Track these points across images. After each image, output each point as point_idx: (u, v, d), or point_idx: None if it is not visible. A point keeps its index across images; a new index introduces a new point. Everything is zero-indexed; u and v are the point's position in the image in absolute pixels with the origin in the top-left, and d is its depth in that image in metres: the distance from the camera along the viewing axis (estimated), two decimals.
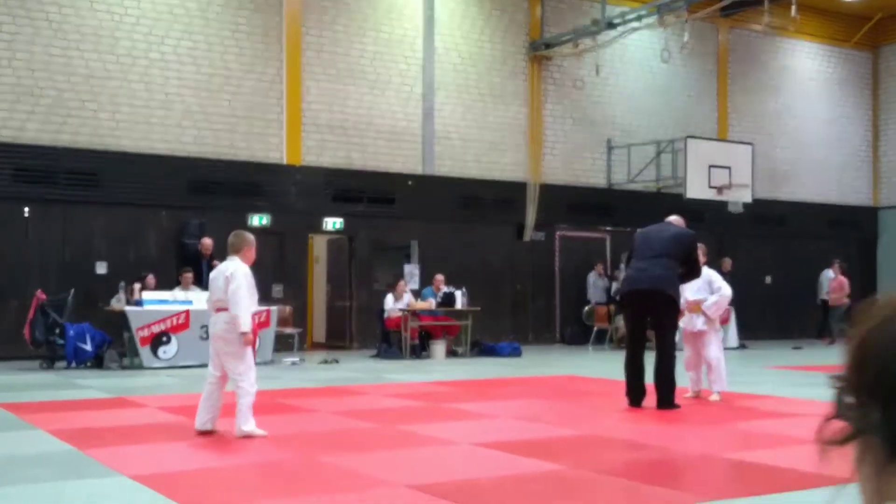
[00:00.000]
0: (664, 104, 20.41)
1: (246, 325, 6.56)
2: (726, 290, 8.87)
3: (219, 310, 6.72)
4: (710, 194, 18.11)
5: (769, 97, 21.74)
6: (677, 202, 19.11)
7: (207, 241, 14.19)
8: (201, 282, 13.08)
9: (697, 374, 8.90)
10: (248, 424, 6.57)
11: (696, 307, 8.70)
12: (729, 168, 18.24)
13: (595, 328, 17.66)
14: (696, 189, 17.93)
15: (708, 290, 8.71)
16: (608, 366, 13.38)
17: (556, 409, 8.41)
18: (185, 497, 4.68)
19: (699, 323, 8.72)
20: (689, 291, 8.69)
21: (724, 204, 18.52)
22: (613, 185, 19.72)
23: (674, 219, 8.87)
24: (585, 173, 19.47)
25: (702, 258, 8.65)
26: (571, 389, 10.16)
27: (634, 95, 20.04)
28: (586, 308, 18.15)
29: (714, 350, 8.78)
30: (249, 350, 6.69)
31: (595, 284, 18.45)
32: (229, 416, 6.70)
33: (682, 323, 8.71)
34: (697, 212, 20.02)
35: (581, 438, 6.70)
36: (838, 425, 0.80)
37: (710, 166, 18.07)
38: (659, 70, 20.08)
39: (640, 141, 19.73)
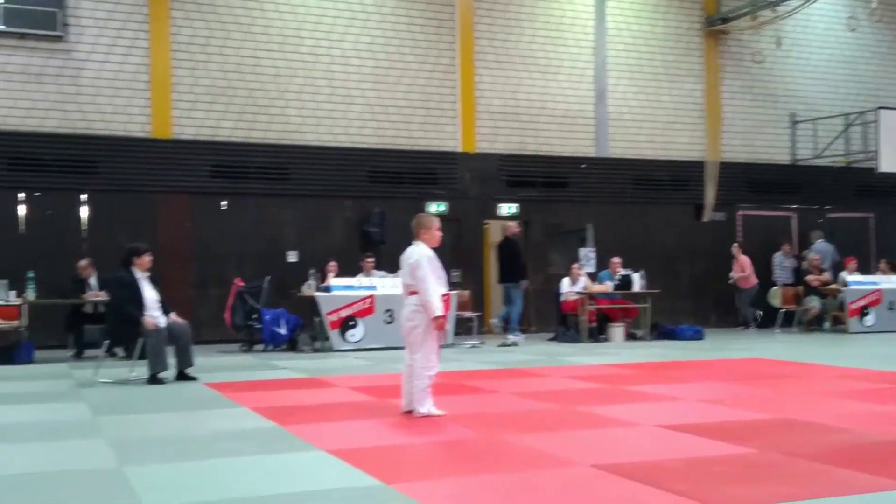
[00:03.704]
0: (852, 74, 19.33)
1: (438, 309, 6.67)
2: None
3: (410, 293, 6.87)
4: None
5: None
6: (869, 177, 18.12)
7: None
8: None
9: None
10: (424, 406, 6.74)
11: None
12: None
13: (782, 310, 17.00)
14: (891, 162, 16.90)
15: None
16: (797, 349, 12.91)
17: (744, 392, 8.21)
18: (378, 470, 4.91)
19: None
20: None
21: None
22: (798, 160, 18.89)
23: None
24: (767, 150, 18.75)
25: None
26: (759, 372, 9.86)
27: (819, 67, 19.08)
28: (772, 289, 17.50)
29: None
30: (432, 335, 6.80)
31: (781, 265, 17.75)
32: (436, 394, 6.96)
33: None
34: (894, 186, 18.89)
35: (771, 422, 6.52)
36: None
37: None
38: (845, 39, 19.04)
39: (827, 114, 18.79)
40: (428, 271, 6.71)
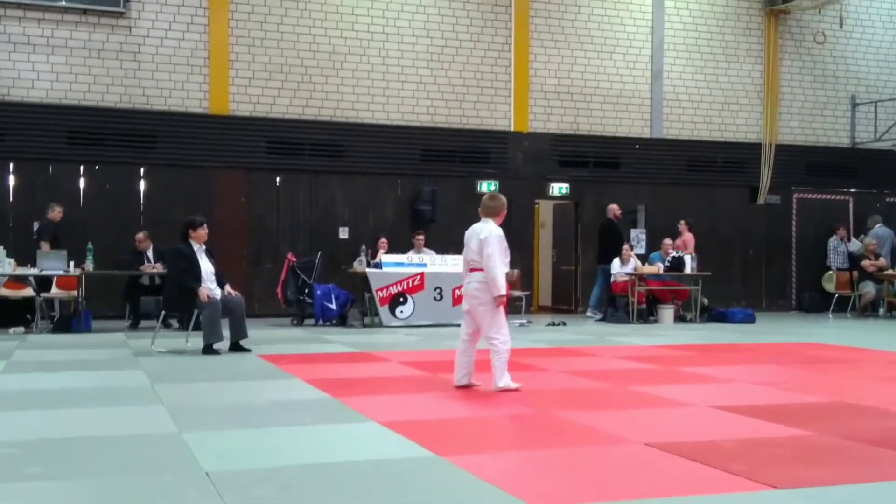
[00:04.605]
0: None
1: (501, 288, 6.76)
2: None
3: (472, 269, 6.93)
4: None
5: None
6: None
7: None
8: None
9: None
10: (503, 380, 6.83)
11: None
12: None
13: (836, 295, 16.73)
14: None
15: None
16: (851, 334, 12.70)
17: (798, 375, 8.11)
18: (431, 442, 4.96)
19: None
20: None
21: None
22: (858, 143, 18.51)
23: None
24: (826, 132, 18.39)
25: None
26: (813, 356, 9.73)
27: (882, 48, 18.64)
28: (826, 274, 17.22)
29: None
30: (501, 309, 6.89)
31: (836, 249, 17.45)
32: (485, 370, 7.01)
33: None
34: None
35: (827, 405, 6.45)
36: None
37: None
38: None
39: (889, 96, 18.37)
40: (497, 248, 6.80)
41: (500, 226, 7.06)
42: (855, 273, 16.69)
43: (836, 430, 5.39)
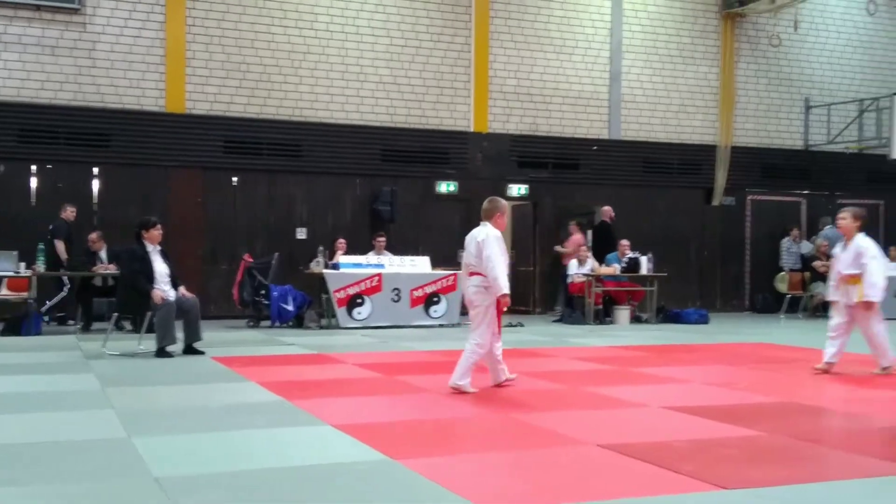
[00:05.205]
0: (868, 60, 19.21)
1: (504, 287, 6.82)
2: (873, 266, 7.97)
3: (472, 273, 7.04)
4: None
5: None
6: (881, 164, 18.06)
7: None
8: None
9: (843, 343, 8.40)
10: (463, 380, 6.93)
11: (853, 280, 8.20)
12: None
13: (788, 296, 16.97)
14: None
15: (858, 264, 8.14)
16: (802, 334, 12.90)
17: (749, 375, 8.21)
18: (384, 445, 4.94)
19: (854, 296, 8.18)
20: (843, 265, 8.26)
21: None
22: (811, 146, 18.81)
23: None
24: (780, 134, 18.67)
25: (852, 223, 8.18)
26: (765, 357, 9.87)
27: (836, 51, 18.96)
28: (779, 275, 17.46)
29: (874, 323, 8.16)
30: (491, 314, 6.97)
31: (789, 250, 17.71)
32: (445, 372, 7.03)
33: (836, 297, 8.37)
34: None
35: (778, 405, 6.53)
36: None
37: None
38: (863, 24, 18.92)
39: (841, 99, 18.69)
40: (496, 250, 6.89)
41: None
42: (807, 274, 16.95)
43: (787, 430, 5.46)
